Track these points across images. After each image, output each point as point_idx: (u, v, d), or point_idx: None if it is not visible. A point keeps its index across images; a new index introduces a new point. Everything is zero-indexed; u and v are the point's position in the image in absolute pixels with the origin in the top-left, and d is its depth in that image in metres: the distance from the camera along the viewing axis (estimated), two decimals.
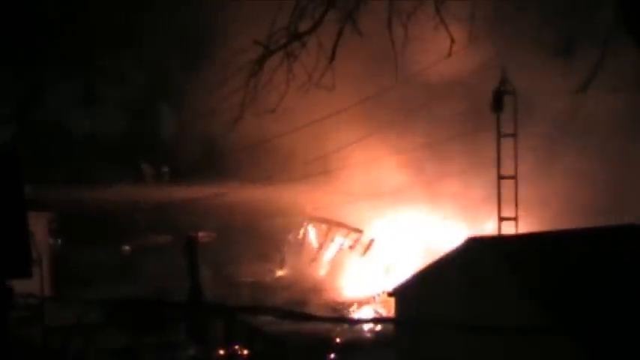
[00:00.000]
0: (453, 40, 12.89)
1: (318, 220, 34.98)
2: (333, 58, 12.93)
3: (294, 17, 12.61)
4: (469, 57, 21.45)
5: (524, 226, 24.86)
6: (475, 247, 18.00)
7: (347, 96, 29.65)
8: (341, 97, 27.86)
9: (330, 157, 32.56)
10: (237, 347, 26.30)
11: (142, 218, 35.45)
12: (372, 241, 33.05)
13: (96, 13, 38.90)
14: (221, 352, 26.15)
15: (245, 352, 26.22)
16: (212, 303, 28.21)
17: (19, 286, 10.73)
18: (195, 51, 35.77)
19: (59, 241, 32.81)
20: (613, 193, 29.08)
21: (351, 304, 31.29)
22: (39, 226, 26.13)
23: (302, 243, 35.26)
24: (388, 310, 27.80)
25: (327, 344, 25.63)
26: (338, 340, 26.07)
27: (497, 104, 24.84)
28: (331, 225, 34.18)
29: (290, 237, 35.32)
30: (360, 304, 31.16)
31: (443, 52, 13.17)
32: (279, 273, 34.44)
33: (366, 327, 27.25)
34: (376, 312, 29.69)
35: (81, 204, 33.20)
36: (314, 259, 34.18)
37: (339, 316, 28.83)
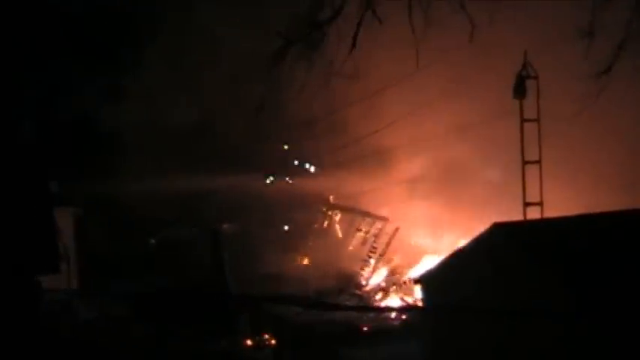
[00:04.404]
0: (473, 26, 12.83)
1: (343, 209, 35.01)
2: (354, 46, 12.92)
3: (314, 7, 12.61)
4: (491, 41, 21.30)
5: (549, 210, 24.73)
6: (500, 232, 17.92)
7: (371, 83, 29.60)
8: (364, 84, 27.83)
9: (353, 145, 32.55)
10: (265, 337, 26.40)
11: (167, 211, 35.63)
12: (397, 229, 33.02)
13: (118, 9, 39.06)
14: (249, 342, 26.27)
15: (273, 341, 26.32)
16: (238, 294, 28.32)
17: (47, 280, 10.83)
18: (218, 43, 35.81)
19: (86, 235, 33.03)
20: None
21: (376, 292, 31.31)
22: (65, 221, 26.30)
23: (327, 232, 35.30)
24: (414, 297, 27.81)
25: (353, 332, 25.68)
26: (365, 328, 26.11)
27: (520, 89, 24.67)
28: (356, 213, 34.18)
29: (315, 226, 35.37)
30: (386, 292, 31.18)
31: (464, 37, 13.13)
32: (305, 262, 34.51)
33: (393, 315, 27.27)
34: (402, 300, 29.69)
35: (107, 198, 33.41)
36: (339, 247, 34.21)
37: (364, 304, 28.86)
